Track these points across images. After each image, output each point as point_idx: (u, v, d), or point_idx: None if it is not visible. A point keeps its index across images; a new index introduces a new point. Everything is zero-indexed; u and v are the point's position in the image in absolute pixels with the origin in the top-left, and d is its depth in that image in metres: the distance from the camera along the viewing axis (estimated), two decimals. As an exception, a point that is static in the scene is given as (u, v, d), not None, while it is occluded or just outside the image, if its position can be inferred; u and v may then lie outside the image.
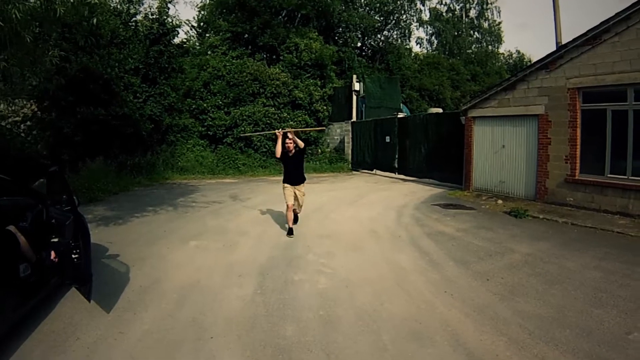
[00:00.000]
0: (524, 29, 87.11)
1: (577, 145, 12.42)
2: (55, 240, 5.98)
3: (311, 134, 27.34)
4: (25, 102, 18.74)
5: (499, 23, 54.43)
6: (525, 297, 6.24)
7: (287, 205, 10.31)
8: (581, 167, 12.44)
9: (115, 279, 7.07)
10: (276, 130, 10.61)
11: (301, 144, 10.27)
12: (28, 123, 19.49)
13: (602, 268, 7.52)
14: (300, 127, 12.96)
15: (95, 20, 9.89)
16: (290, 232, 10.20)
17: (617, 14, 11.20)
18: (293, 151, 10.37)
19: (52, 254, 5.84)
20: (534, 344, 4.85)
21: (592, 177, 12.09)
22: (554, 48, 13.82)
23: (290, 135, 10.23)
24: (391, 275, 7.40)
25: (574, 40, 12.27)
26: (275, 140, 10.59)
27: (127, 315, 5.68)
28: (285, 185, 10.42)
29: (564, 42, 14.17)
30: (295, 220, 10.94)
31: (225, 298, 6.35)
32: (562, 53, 12.69)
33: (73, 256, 5.76)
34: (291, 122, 26.32)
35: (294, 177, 10.45)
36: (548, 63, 13.12)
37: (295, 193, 10.45)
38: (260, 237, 9.85)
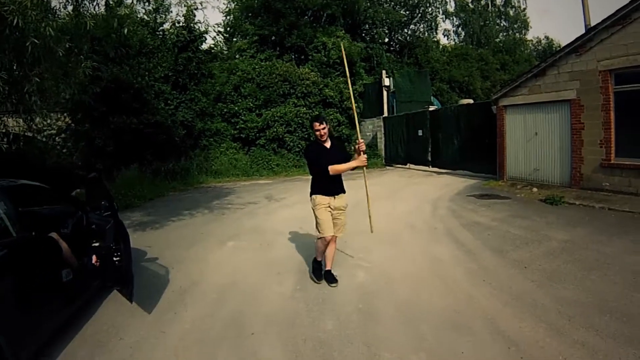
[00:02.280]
0: (549, 15, 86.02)
1: (612, 129, 12.21)
2: (97, 244, 6.12)
3: (343, 130, 27.32)
4: (59, 115, 19.16)
5: (524, 9, 53.92)
6: (563, 284, 6.19)
7: (324, 238, 6.66)
8: (616, 150, 12.23)
9: (155, 281, 7.20)
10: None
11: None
12: (62, 135, 19.94)
13: (642, 252, 7.41)
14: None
15: (125, 31, 10.09)
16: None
17: (647, -9, 11.01)
18: (328, 141, 6.75)
19: (94, 258, 6.00)
20: (574, 330, 4.82)
21: (628, 161, 11.88)
22: (581, 32, 13.64)
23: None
24: (429, 267, 7.42)
25: (603, 21, 12.06)
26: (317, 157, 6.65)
27: (168, 316, 5.79)
28: (318, 198, 6.64)
29: (592, 24, 13.97)
30: (331, 277, 6.85)
31: (265, 296, 6.43)
32: (592, 35, 12.50)
33: (114, 259, 5.91)
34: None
35: (334, 182, 6.67)
36: (577, 47, 12.94)
37: (334, 213, 6.71)
38: (297, 236, 9.88)
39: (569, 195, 12.39)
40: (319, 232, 6.68)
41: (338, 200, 6.72)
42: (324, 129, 6.55)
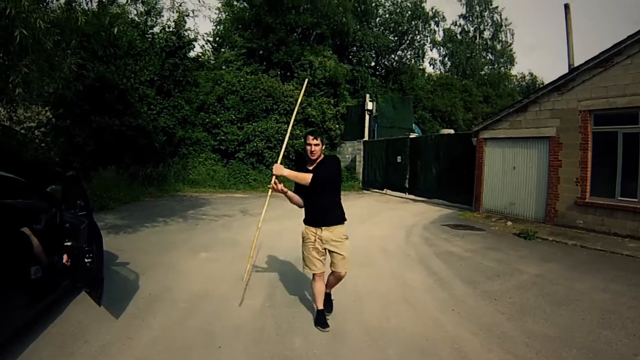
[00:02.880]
0: (534, 51, 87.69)
1: (588, 168, 12.43)
2: (69, 243, 6.04)
3: (323, 151, 26.99)
4: (41, 109, 18.95)
5: (510, 44, 54.79)
6: (533, 317, 6.23)
7: (313, 275, 5.85)
8: (592, 189, 12.46)
9: (124, 286, 7.12)
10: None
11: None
12: (42, 129, 19.71)
13: (611, 290, 7.50)
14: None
15: (115, 30, 10.06)
16: (319, 319, 5.84)
17: (630, 37, 11.30)
18: (319, 158, 5.72)
19: (65, 257, 5.91)
20: (541, 364, 4.84)
21: (602, 200, 12.12)
22: (564, 70, 13.91)
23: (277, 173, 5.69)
24: (399, 292, 7.41)
25: (586, 62, 12.34)
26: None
27: (136, 322, 5.72)
28: (304, 230, 5.84)
29: (576, 64, 14.23)
30: (328, 304, 6.20)
31: (235, 309, 6.38)
32: (574, 75, 12.77)
33: (86, 260, 5.84)
34: (303, 140, 26.47)
35: (321, 209, 5.69)
36: (560, 85, 13.19)
37: (321, 247, 5.72)
38: (271, 251, 9.82)
39: (542, 231, 12.51)
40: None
41: (328, 233, 5.63)
42: (317, 145, 5.60)
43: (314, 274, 5.82)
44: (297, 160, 5.86)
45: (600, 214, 12.16)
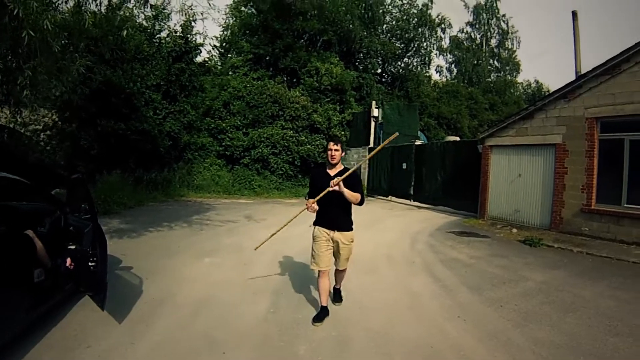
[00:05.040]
0: (540, 58, 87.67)
1: (594, 175, 12.41)
2: (73, 247, 6.03)
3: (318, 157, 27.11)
4: (47, 112, 19.02)
5: (515, 52, 54.90)
6: (539, 324, 6.18)
7: (319, 272, 6.28)
8: (597, 196, 12.44)
9: (128, 291, 7.09)
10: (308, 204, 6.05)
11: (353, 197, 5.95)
12: (48, 132, 19.77)
13: (617, 297, 7.46)
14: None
15: (125, 33, 10.08)
16: (319, 314, 6.21)
17: (638, 43, 11.26)
18: (337, 168, 6.19)
19: (68, 260, 5.89)
20: (548, 371, 4.80)
21: (608, 207, 12.09)
22: (570, 77, 13.85)
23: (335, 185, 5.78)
24: (404, 299, 7.36)
25: (594, 69, 12.32)
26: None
27: (139, 327, 5.69)
28: (316, 230, 6.29)
29: (582, 71, 14.19)
30: (338, 295, 6.97)
31: (239, 314, 6.35)
32: (581, 83, 12.75)
33: (90, 264, 5.81)
34: (308, 146, 26.46)
35: (334, 216, 6.15)
36: (567, 92, 13.16)
37: (332, 245, 6.23)
38: (275, 257, 9.79)
39: (548, 238, 12.47)
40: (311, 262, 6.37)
41: (340, 235, 6.20)
42: (337, 150, 6.08)
43: (319, 271, 6.26)
44: (314, 169, 5.88)
45: (606, 221, 12.11)
